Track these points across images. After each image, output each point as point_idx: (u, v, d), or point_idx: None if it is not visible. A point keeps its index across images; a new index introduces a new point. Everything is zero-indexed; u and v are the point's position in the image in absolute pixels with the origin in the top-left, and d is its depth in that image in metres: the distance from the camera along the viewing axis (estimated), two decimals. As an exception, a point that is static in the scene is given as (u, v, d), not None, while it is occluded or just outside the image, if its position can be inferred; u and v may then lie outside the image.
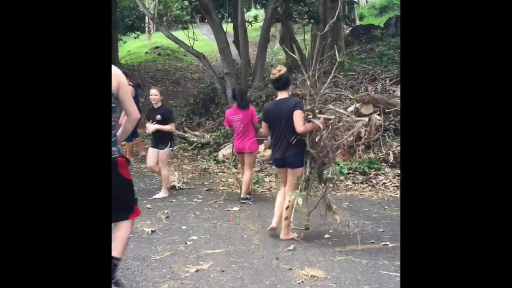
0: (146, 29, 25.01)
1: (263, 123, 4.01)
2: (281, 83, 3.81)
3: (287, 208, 3.71)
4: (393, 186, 5.92)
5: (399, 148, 6.52)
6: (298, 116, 3.61)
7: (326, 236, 3.92)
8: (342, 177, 5.83)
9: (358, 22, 19.81)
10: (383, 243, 3.74)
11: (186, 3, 14.96)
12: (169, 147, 5.42)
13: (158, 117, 5.29)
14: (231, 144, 6.45)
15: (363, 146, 6.84)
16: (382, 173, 6.30)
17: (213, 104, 11.13)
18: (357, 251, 3.50)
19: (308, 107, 3.71)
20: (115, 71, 2.48)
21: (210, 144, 8.46)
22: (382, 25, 16.15)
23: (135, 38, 22.30)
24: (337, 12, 5.45)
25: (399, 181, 5.86)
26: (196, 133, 9.25)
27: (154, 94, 5.39)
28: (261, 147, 6.82)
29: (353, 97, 7.48)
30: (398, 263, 3.07)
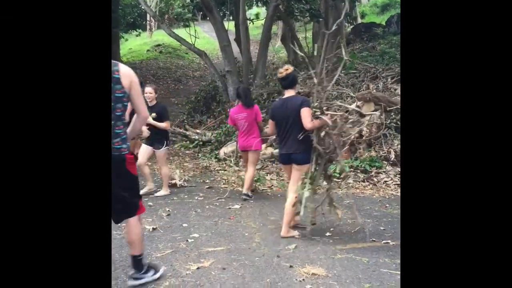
0: (148, 27, 25.03)
1: (270, 121, 4.06)
2: (288, 81, 3.86)
3: (293, 205, 3.73)
4: (394, 184, 5.92)
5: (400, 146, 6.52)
6: (305, 113, 3.66)
7: (327, 234, 3.92)
8: (349, 173, 5.81)
9: (359, 20, 19.77)
10: (384, 241, 3.74)
11: (188, 0, 14.97)
12: (165, 146, 5.43)
13: (153, 115, 5.30)
14: (233, 142, 6.46)
15: (364, 144, 6.85)
16: (384, 171, 6.31)
17: (214, 102, 11.13)
18: (358, 249, 3.50)
19: (316, 104, 3.74)
20: (128, 71, 2.52)
21: (211, 142, 8.47)
22: (383, 23, 16.14)
23: (137, 36, 22.34)
24: (343, 10, 5.47)
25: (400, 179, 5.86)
26: (198, 131, 9.26)
27: (149, 92, 5.42)
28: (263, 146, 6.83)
29: (354, 95, 7.48)
30: (399, 261, 3.06)
